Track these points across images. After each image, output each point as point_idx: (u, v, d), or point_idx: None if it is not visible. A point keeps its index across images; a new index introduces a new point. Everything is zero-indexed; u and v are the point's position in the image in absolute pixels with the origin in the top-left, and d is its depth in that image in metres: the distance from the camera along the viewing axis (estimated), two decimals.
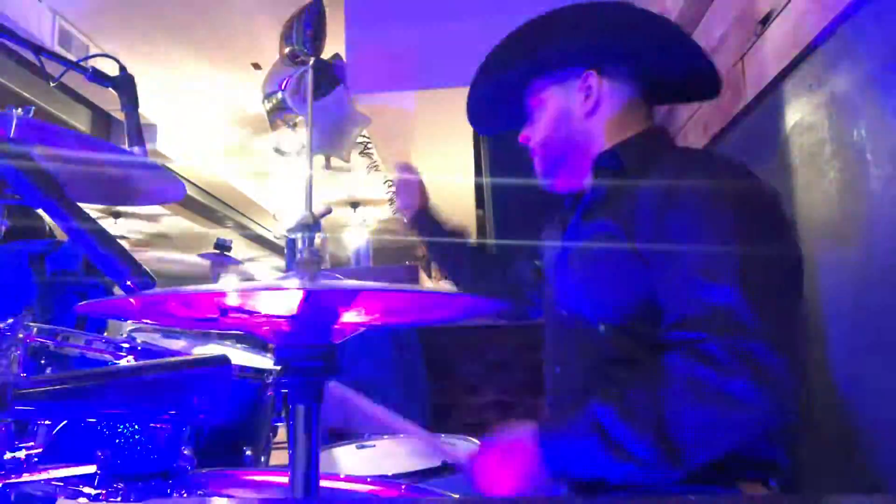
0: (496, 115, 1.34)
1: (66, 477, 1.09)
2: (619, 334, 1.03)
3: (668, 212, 0.99)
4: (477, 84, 1.30)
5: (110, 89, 1.54)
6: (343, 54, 2.66)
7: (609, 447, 0.91)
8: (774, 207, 1.01)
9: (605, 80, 1.18)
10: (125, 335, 1.17)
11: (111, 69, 1.55)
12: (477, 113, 1.36)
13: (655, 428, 0.90)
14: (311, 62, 2.57)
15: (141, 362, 1.13)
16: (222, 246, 2.95)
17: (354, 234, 8.18)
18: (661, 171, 1.05)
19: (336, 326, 0.69)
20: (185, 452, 1.15)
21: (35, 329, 1.13)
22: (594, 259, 1.08)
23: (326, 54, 2.74)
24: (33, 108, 1.08)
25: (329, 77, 2.60)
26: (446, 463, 1.32)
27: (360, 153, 5.02)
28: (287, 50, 2.73)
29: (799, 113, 1.37)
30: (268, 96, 2.74)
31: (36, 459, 1.02)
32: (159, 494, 1.14)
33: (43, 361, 1.12)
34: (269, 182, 6.98)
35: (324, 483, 1.06)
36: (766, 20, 1.45)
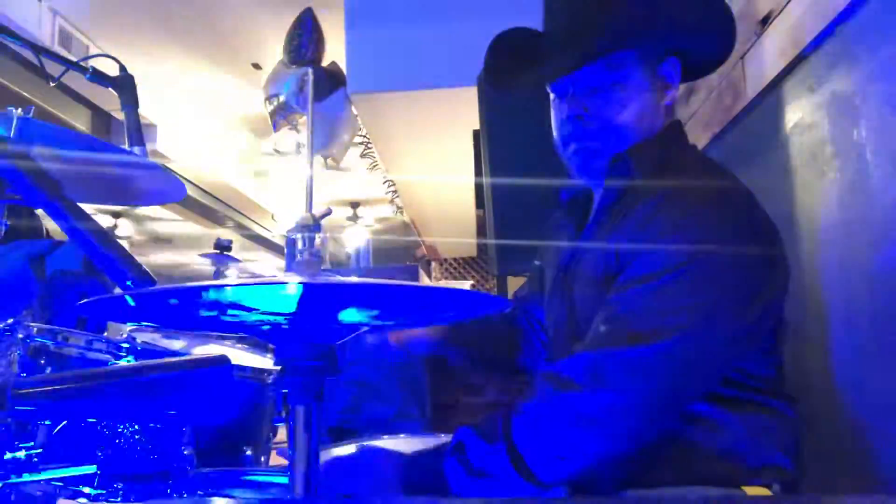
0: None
1: (66, 477, 1.09)
2: None
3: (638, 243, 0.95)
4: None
5: (110, 89, 1.54)
6: (341, 59, 2.67)
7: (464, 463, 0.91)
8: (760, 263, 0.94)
9: (678, 66, 1.06)
10: (125, 335, 1.17)
11: (111, 69, 1.55)
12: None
13: (508, 442, 0.88)
14: (311, 67, 2.60)
15: (141, 362, 1.12)
16: (222, 246, 2.96)
17: (354, 234, 8.17)
18: (657, 193, 0.97)
19: (336, 326, 0.69)
20: (185, 452, 1.15)
21: (35, 329, 1.13)
22: (594, 283, 1.01)
23: (326, 59, 2.76)
24: (33, 108, 1.08)
25: (329, 81, 2.61)
26: None
27: (360, 155, 5.01)
28: (285, 57, 2.76)
29: (799, 113, 1.37)
30: (270, 98, 2.76)
31: (36, 459, 1.01)
32: (159, 494, 1.14)
33: (43, 361, 1.12)
34: (269, 182, 6.98)
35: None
36: (766, 20, 1.45)
